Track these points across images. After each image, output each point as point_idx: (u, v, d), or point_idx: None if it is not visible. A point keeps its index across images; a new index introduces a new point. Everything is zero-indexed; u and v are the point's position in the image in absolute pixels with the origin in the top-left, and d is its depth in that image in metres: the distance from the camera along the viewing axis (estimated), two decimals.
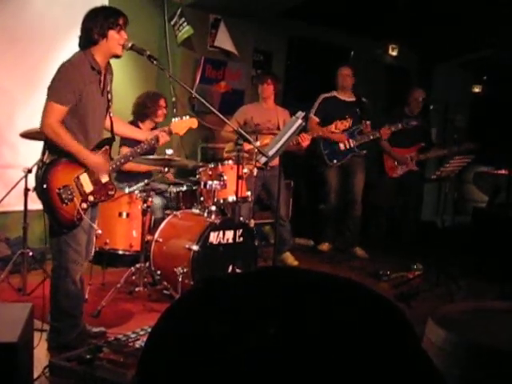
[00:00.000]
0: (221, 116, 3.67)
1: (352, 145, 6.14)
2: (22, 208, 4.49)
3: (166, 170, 4.59)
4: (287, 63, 7.69)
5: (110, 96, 3.52)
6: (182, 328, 1.39)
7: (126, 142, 4.67)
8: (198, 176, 4.94)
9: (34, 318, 2.84)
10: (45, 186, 3.23)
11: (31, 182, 3.98)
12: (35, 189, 3.36)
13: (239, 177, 3.99)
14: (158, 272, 4.46)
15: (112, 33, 3.31)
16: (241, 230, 4.60)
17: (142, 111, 5.28)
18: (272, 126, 5.69)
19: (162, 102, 5.32)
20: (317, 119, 6.20)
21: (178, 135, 4.01)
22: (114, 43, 3.33)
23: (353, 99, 6.31)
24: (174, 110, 6.11)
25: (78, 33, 3.34)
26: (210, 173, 4.82)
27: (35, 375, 2.88)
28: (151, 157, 4.42)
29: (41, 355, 3.17)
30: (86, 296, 4.11)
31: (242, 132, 3.84)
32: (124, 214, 4.51)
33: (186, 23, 6.21)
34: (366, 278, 5.44)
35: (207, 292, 1.48)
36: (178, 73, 6.39)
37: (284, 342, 1.32)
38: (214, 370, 1.29)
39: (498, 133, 7.67)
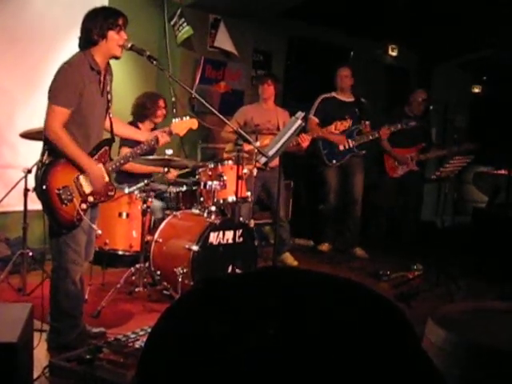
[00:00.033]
0: (221, 116, 3.66)
1: (351, 145, 6.15)
2: (21, 208, 4.49)
3: (166, 170, 4.59)
4: (287, 63, 7.69)
5: (109, 97, 3.52)
6: (182, 328, 1.39)
7: (126, 142, 4.67)
8: (197, 176, 4.94)
9: (34, 319, 2.84)
10: (44, 186, 3.23)
11: (31, 182, 3.98)
12: (35, 189, 3.36)
13: (239, 177, 3.99)
14: (158, 272, 4.46)
15: (111, 33, 3.31)
16: (241, 231, 4.60)
17: (142, 112, 5.28)
18: (272, 126, 5.69)
19: (161, 103, 5.32)
20: (316, 120, 6.20)
21: (178, 136, 4.01)
22: (114, 44, 3.33)
23: (352, 99, 6.31)
24: (174, 111, 6.11)
25: (78, 33, 3.34)
26: (210, 173, 4.82)
27: (35, 375, 2.87)
28: (151, 157, 4.42)
29: (41, 355, 3.17)
30: (86, 296, 4.11)
31: (242, 132, 3.84)
32: (124, 215, 4.51)
33: (185, 23, 6.21)
34: (366, 278, 5.44)
35: (207, 292, 1.48)
36: (177, 73, 6.39)
37: (284, 342, 1.32)
38: (213, 370, 1.29)
39: (498, 133, 7.67)
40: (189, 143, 6.55)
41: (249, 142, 3.86)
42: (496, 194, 6.61)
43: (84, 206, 3.36)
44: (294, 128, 4.33)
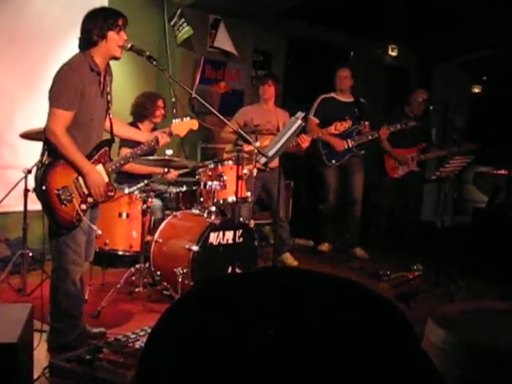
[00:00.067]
0: (220, 117, 3.66)
1: (350, 145, 6.15)
2: (21, 209, 4.49)
3: (166, 170, 4.60)
4: (287, 63, 7.69)
5: (109, 97, 3.52)
6: (182, 328, 1.39)
7: (126, 143, 4.67)
8: (197, 176, 4.94)
9: (34, 319, 2.84)
10: (44, 187, 3.23)
11: (31, 182, 3.98)
12: (35, 189, 3.36)
13: (239, 177, 3.99)
14: (158, 272, 4.46)
15: (111, 34, 3.31)
16: (241, 231, 4.60)
17: (140, 112, 5.29)
18: (272, 127, 5.69)
19: (160, 103, 5.32)
20: (316, 120, 6.21)
21: (178, 136, 4.01)
22: (114, 44, 3.33)
23: (351, 100, 6.31)
24: (174, 111, 6.12)
25: (78, 33, 3.34)
26: (210, 173, 4.82)
27: (35, 376, 2.88)
28: (151, 157, 4.42)
29: (41, 356, 3.17)
30: (86, 296, 4.11)
31: (242, 133, 3.84)
32: (124, 215, 4.51)
33: (185, 24, 6.21)
34: (366, 279, 5.44)
35: (207, 292, 1.48)
36: (177, 73, 6.39)
37: (284, 342, 1.32)
38: (213, 370, 1.29)
39: (498, 133, 7.66)
40: (189, 143, 6.55)
41: (249, 143, 3.86)
42: (496, 193, 6.61)
43: (83, 206, 3.36)
44: (293, 128, 4.33)
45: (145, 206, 4.35)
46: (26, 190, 4.39)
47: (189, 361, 1.32)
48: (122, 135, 3.90)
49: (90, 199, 3.39)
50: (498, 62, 8.51)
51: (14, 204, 4.80)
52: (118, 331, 3.61)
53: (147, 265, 4.43)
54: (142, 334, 3.37)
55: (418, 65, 9.01)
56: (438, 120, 8.11)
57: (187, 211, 4.79)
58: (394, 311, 1.44)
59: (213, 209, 4.64)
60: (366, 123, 6.12)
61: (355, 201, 6.36)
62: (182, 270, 4.21)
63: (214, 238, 4.44)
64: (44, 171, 3.25)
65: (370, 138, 6.11)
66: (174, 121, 3.89)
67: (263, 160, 4.29)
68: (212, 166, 4.84)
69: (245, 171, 4.67)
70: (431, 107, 6.36)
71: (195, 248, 4.30)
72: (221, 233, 4.50)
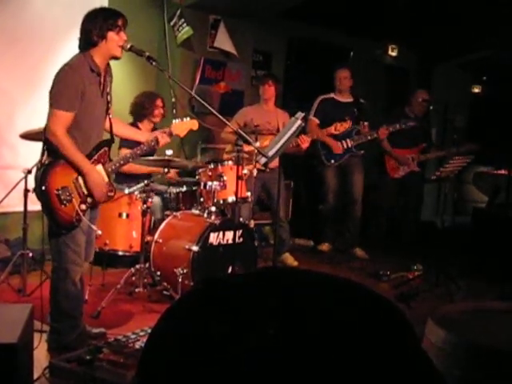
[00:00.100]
0: (220, 117, 3.66)
1: (350, 145, 6.15)
2: (21, 209, 4.49)
3: (166, 170, 4.60)
4: (287, 64, 7.70)
5: (109, 97, 3.52)
6: (182, 328, 1.40)
7: (125, 143, 4.67)
8: (197, 177, 4.95)
9: (34, 319, 2.84)
10: (43, 187, 3.23)
11: (31, 182, 3.98)
12: (34, 190, 3.36)
13: (239, 177, 3.99)
14: (158, 273, 4.46)
15: (111, 34, 3.31)
16: (241, 231, 4.60)
17: (139, 111, 5.30)
18: (272, 127, 5.69)
19: (158, 102, 5.32)
20: (317, 121, 6.21)
21: (178, 137, 4.01)
22: (114, 44, 3.33)
23: (350, 100, 6.31)
24: (174, 111, 6.12)
25: (78, 34, 3.34)
26: (210, 173, 4.82)
27: (35, 376, 2.88)
28: (151, 158, 4.42)
29: (41, 356, 3.17)
30: (86, 297, 4.11)
31: (242, 133, 3.84)
32: (124, 215, 4.51)
33: (185, 24, 6.21)
34: (366, 279, 5.44)
35: (207, 292, 1.48)
36: (177, 73, 6.39)
37: (284, 343, 1.32)
38: (213, 370, 1.29)
39: (498, 133, 7.66)
40: (189, 144, 6.55)
41: (249, 143, 3.86)
42: (496, 193, 6.60)
43: (83, 206, 3.36)
44: (293, 128, 4.33)
45: (145, 206, 4.35)
46: (26, 191, 4.38)
47: (189, 361, 1.32)
48: (121, 135, 3.90)
49: (89, 199, 3.39)
50: (498, 62, 8.51)
51: (14, 204, 4.79)
52: (118, 331, 3.61)
53: (147, 265, 4.43)
54: (142, 334, 3.37)
55: (418, 65, 9.01)
56: (438, 120, 8.10)
57: (187, 211, 4.80)
58: (394, 311, 1.44)
59: (213, 209, 4.64)
60: (366, 124, 6.12)
61: (355, 201, 6.36)
62: (182, 271, 4.21)
63: (214, 238, 4.44)
64: (44, 171, 3.25)
65: (369, 138, 6.11)
66: (173, 121, 3.89)
67: (263, 160, 4.29)
68: (212, 166, 4.84)
69: (245, 171, 4.67)
70: (431, 107, 6.34)
71: (195, 248, 4.30)
72: (221, 233, 4.50)
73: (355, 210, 6.39)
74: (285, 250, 5.86)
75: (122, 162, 3.60)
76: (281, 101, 6.64)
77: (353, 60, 8.07)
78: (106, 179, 3.47)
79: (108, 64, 3.47)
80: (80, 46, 3.35)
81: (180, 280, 4.18)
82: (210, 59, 6.65)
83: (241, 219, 4.82)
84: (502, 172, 6.42)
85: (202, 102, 3.75)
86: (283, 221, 5.83)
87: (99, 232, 3.63)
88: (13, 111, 5.35)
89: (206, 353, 1.32)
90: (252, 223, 4.97)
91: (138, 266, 4.34)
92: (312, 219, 6.91)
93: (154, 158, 4.54)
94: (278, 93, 5.91)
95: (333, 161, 6.25)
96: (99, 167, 3.43)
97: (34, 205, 3.93)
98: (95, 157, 3.41)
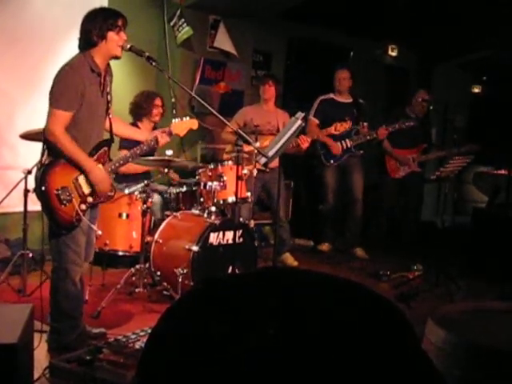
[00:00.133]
0: (220, 117, 3.67)
1: (349, 145, 6.15)
2: (21, 209, 4.49)
3: (166, 170, 4.60)
4: (287, 64, 7.70)
5: (109, 97, 3.52)
6: (182, 328, 1.39)
7: (125, 144, 4.66)
8: (197, 177, 4.95)
9: (34, 319, 2.84)
10: (43, 187, 3.23)
11: (31, 183, 3.99)
12: (35, 190, 3.36)
13: (239, 178, 3.99)
14: (158, 273, 4.46)
15: (111, 34, 3.31)
16: (241, 231, 4.60)
17: (138, 111, 5.30)
18: (271, 127, 5.69)
19: (157, 101, 5.32)
20: (316, 121, 6.21)
21: (178, 136, 4.01)
22: (114, 45, 3.33)
23: (350, 100, 6.31)
24: (174, 111, 6.12)
25: (78, 34, 3.34)
26: (210, 174, 4.82)
27: (35, 376, 2.87)
28: (151, 158, 4.42)
29: (41, 356, 3.17)
30: (86, 297, 4.11)
31: (242, 133, 3.84)
32: (124, 215, 4.52)
33: (185, 24, 6.21)
34: (366, 279, 5.44)
35: (207, 292, 1.48)
36: (177, 74, 6.39)
37: (284, 343, 1.32)
38: (214, 370, 1.29)
39: (498, 133, 7.67)
40: (189, 144, 6.55)
41: (249, 143, 3.86)
42: (496, 193, 6.60)
43: (83, 206, 3.36)
44: (293, 128, 4.33)
45: (145, 206, 4.35)
46: (26, 191, 4.38)
47: (189, 361, 1.32)
48: (122, 134, 3.91)
49: (89, 199, 3.39)
50: (498, 61, 8.51)
51: (14, 205, 4.79)
52: (118, 331, 3.60)
53: (147, 265, 4.43)
54: (142, 334, 3.37)
55: (418, 65, 9.01)
56: (438, 120, 8.10)
57: (187, 211, 4.80)
58: (394, 311, 1.44)
59: (213, 209, 4.64)
60: (365, 124, 6.12)
61: (356, 200, 6.36)
62: (182, 271, 4.21)
63: (214, 238, 4.44)
64: (43, 171, 3.25)
65: (368, 138, 6.10)
66: (173, 120, 3.89)
67: (263, 160, 4.29)
68: (212, 166, 4.84)
69: (245, 171, 4.67)
70: (431, 107, 6.34)
71: (195, 248, 4.30)
72: (221, 233, 4.50)
73: (356, 210, 6.38)
74: (285, 250, 5.86)
75: (121, 162, 3.60)
76: (281, 101, 6.64)
77: (353, 60, 8.07)
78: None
79: (108, 64, 3.47)
80: (80, 46, 3.35)
81: (180, 280, 4.18)
82: (209, 59, 6.65)
83: (241, 219, 4.82)
84: (502, 172, 6.42)
85: (202, 102, 3.75)
86: (283, 221, 5.83)
87: (99, 232, 3.63)
88: (13, 111, 5.35)
89: (206, 353, 1.32)
90: (252, 223, 4.98)
91: (138, 266, 4.34)
92: (312, 219, 6.91)
93: (154, 157, 4.54)
94: (278, 93, 5.91)
95: (332, 161, 6.25)
96: (102, 168, 3.43)
97: (34, 205, 3.93)
98: (95, 156, 3.41)
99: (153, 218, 4.78)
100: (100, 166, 3.43)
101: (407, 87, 8.50)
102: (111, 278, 4.64)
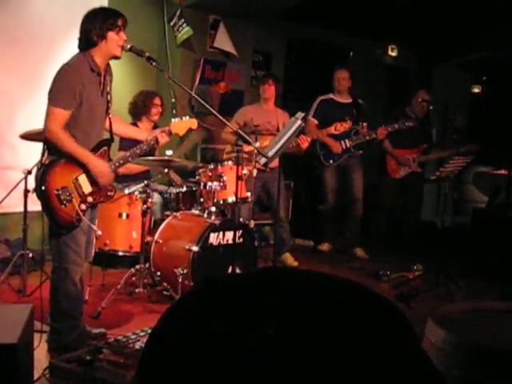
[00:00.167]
0: (220, 117, 3.67)
1: (348, 145, 6.14)
2: (21, 209, 4.49)
3: (166, 170, 4.60)
4: (287, 64, 7.70)
5: (109, 97, 3.52)
6: (182, 328, 1.39)
7: (125, 145, 4.66)
8: (197, 177, 4.95)
9: (34, 319, 2.84)
10: (43, 187, 3.23)
11: (31, 183, 3.99)
12: (35, 190, 3.37)
13: (239, 178, 3.99)
14: (158, 273, 4.46)
15: (111, 34, 3.31)
16: (241, 231, 4.60)
17: (137, 110, 5.31)
18: (271, 127, 5.69)
19: (156, 101, 5.32)
20: (315, 121, 6.21)
21: (178, 136, 4.01)
22: (113, 44, 3.33)
23: (349, 101, 6.31)
24: (174, 111, 6.11)
25: (78, 34, 3.34)
26: (210, 174, 4.82)
27: (35, 376, 2.88)
28: (151, 158, 4.42)
29: (41, 356, 3.17)
30: (86, 297, 4.11)
31: (242, 133, 3.84)
32: (124, 215, 4.51)
33: (185, 24, 6.21)
34: (366, 279, 5.44)
35: (207, 292, 1.48)
36: (177, 74, 6.39)
37: (284, 343, 1.32)
38: (214, 370, 1.29)
39: (498, 133, 7.67)
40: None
41: (248, 143, 3.86)
42: (496, 193, 6.60)
43: (83, 206, 3.36)
44: (293, 128, 4.33)
45: (145, 206, 4.35)
46: (26, 191, 4.38)
47: (189, 361, 1.32)
48: (122, 134, 3.90)
49: (89, 199, 3.40)
50: (498, 62, 8.52)
51: (14, 205, 4.80)
52: (118, 332, 3.60)
53: (147, 265, 4.43)
54: (142, 334, 3.37)
55: (418, 65, 9.01)
56: (438, 120, 8.10)
57: (187, 212, 4.80)
58: (394, 311, 1.44)
59: (213, 209, 4.64)
60: (364, 124, 6.12)
61: (356, 199, 6.36)
62: (182, 271, 4.21)
63: (214, 238, 4.44)
64: (43, 171, 3.25)
65: (367, 138, 6.10)
66: (172, 120, 3.89)
67: (263, 160, 4.29)
68: (212, 166, 4.84)
69: (244, 171, 4.67)
70: (431, 107, 6.35)
71: (195, 248, 4.30)
72: (221, 233, 4.50)
73: (356, 209, 6.38)
74: (285, 250, 5.86)
75: (121, 162, 3.60)
76: (281, 101, 6.64)
77: (353, 60, 8.07)
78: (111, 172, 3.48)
79: (108, 64, 3.47)
80: (80, 46, 3.35)
81: (180, 280, 4.18)
82: (209, 59, 6.65)
83: (241, 219, 4.82)
84: (502, 172, 6.42)
85: (202, 102, 3.75)
86: (283, 221, 5.82)
87: (99, 232, 3.63)
88: (13, 111, 5.35)
89: (206, 353, 1.32)
90: (252, 223, 4.97)
91: (138, 267, 4.34)
92: (312, 219, 6.91)
93: (154, 158, 4.54)
94: (278, 93, 5.91)
95: (331, 161, 6.25)
96: (102, 160, 3.43)
97: (34, 205, 3.93)
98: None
99: (153, 218, 4.78)
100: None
101: (407, 87, 8.51)
102: (111, 278, 4.64)
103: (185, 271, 4.23)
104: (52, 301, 3.41)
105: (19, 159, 5.18)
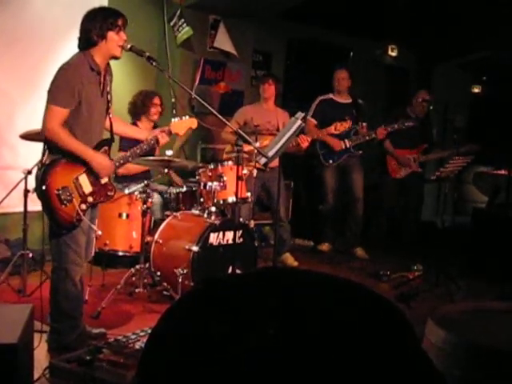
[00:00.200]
0: (220, 117, 3.66)
1: (348, 145, 6.14)
2: (21, 209, 4.49)
3: (166, 170, 4.59)
4: (287, 64, 7.70)
5: (109, 97, 3.52)
6: (182, 328, 1.39)
7: (125, 145, 4.66)
8: (197, 177, 4.95)
9: (34, 320, 2.84)
10: (44, 187, 3.23)
11: (31, 183, 3.98)
12: (35, 190, 3.37)
13: (239, 178, 3.98)
14: (158, 273, 4.46)
15: (111, 34, 3.31)
16: (241, 231, 4.60)
17: (136, 110, 5.31)
18: (271, 127, 5.69)
19: (155, 100, 5.32)
20: (314, 121, 6.20)
21: (177, 135, 4.01)
22: (113, 44, 3.33)
23: (349, 101, 6.31)
24: (174, 111, 6.11)
25: (78, 33, 3.34)
26: (210, 174, 4.82)
27: (35, 376, 2.88)
28: (151, 158, 4.42)
29: (41, 356, 3.17)
30: (86, 297, 4.11)
31: (242, 133, 3.84)
32: (124, 215, 4.51)
33: (185, 24, 6.21)
34: (366, 279, 5.44)
35: (207, 292, 1.48)
36: (177, 74, 6.39)
37: (284, 343, 1.32)
38: (214, 370, 1.29)
39: (498, 133, 7.67)
40: (189, 144, 6.55)
41: (249, 143, 3.86)
42: (496, 193, 6.60)
43: (83, 206, 3.36)
44: (293, 128, 4.33)
45: (145, 206, 4.35)
46: (26, 191, 4.38)
47: (189, 361, 1.32)
48: (122, 133, 3.90)
49: (89, 199, 3.39)
50: (498, 62, 8.52)
51: (14, 205, 4.80)
52: (118, 332, 3.60)
53: (147, 265, 4.43)
54: (142, 334, 3.37)
55: (418, 65, 9.01)
56: (438, 120, 8.10)
57: (187, 212, 4.79)
58: (394, 311, 1.44)
59: (213, 209, 4.64)
60: (364, 125, 6.11)
61: (357, 199, 6.35)
62: (182, 271, 4.21)
63: (214, 238, 4.44)
64: (44, 171, 3.25)
65: (367, 138, 6.10)
66: (172, 120, 3.89)
67: (263, 160, 4.29)
68: (212, 166, 4.84)
69: (245, 171, 4.67)
70: (431, 107, 6.34)
71: (195, 248, 4.30)
72: (221, 233, 4.50)
73: (357, 209, 6.38)
74: (285, 250, 5.86)
75: (121, 161, 3.60)
76: (281, 101, 6.64)
77: (353, 60, 8.07)
78: (107, 179, 3.48)
79: (108, 63, 3.47)
80: (79, 46, 3.35)
81: (180, 280, 4.18)
82: (209, 59, 6.65)
83: (241, 219, 4.82)
84: (502, 172, 6.42)
85: (202, 102, 3.75)
86: (283, 221, 5.82)
87: (99, 232, 3.63)
88: (13, 111, 5.35)
89: (206, 353, 1.32)
90: (252, 223, 4.97)
91: (138, 267, 4.34)
92: (312, 219, 6.91)
93: (154, 157, 4.54)
94: (277, 92, 5.91)
95: (331, 161, 6.25)
96: (102, 154, 3.43)
97: (34, 205, 3.93)
98: None
99: (153, 218, 4.78)
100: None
101: (407, 87, 8.51)
102: (111, 279, 4.64)
103: (185, 271, 4.23)
104: (52, 301, 3.41)
105: (19, 159, 5.18)
